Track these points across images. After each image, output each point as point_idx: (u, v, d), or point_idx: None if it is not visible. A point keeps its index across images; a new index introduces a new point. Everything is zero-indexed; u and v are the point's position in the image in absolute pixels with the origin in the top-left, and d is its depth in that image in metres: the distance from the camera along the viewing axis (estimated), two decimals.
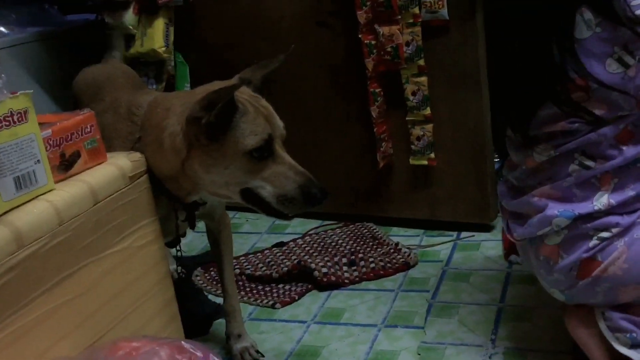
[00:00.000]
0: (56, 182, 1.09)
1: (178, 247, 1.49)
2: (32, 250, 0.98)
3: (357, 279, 1.92)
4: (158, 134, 1.30)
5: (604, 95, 1.19)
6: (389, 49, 1.96)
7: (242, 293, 1.91)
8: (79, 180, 1.12)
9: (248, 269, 2.03)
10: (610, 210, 1.25)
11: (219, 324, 1.77)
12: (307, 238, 2.18)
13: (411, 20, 1.93)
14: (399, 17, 1.93)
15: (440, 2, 1.88)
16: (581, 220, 1.25)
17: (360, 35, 2.00)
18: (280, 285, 1.94)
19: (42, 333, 1.00)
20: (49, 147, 1.09)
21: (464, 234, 2.11)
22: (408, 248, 2.04)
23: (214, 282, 1.99)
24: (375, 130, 2.08)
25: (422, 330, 1.65)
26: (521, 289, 1.76)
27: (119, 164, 1.20)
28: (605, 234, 1.25)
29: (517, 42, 1.28)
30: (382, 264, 1.96)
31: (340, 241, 2.13)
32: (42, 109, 1.10)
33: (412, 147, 2.08)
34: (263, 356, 1.61)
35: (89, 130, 1.18)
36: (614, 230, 1.24)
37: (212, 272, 2.04)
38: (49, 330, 1.01)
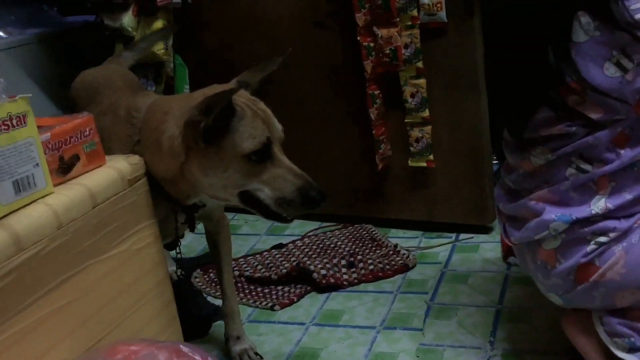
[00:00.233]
0: (55, 185, 1.09)
1: (177, 249, 1.50)
2: (31, 254, 0.98)
3: (356, 280, 1.93)
4: (157, 137, 1.30)
5: (599, 99, 1.19)
6: (387, 51, 1.97)
7: (241, 295, 1.91)
8: (77, 183, 1.13)
9: (247, 270, 2.03)
10: (607, 214, 1.24)
11: (218, 325, 1.77)
12: (306, 240, 2.19)
13: (409, 23, 1.93)
14: (398, 19, 1.93)
15: (438, 5, 1.88)
16: (579, 225, 1.25)
17: (358, 38, 2.00)
18: (279, 287, 1.94)
19: (41, 336, 1.01)
20: (47, 151, 1.09)
21: (462, 236, 2.11)
22: (407, 250, 2.04)
23: (213, 284, 1.99)
24: (373, 132, 2.08)
25: (421, 332, 1.65)
26: (520, 291, 1.76)
27: (117, 167, 1.21)
28: (602, 239, 1.25)
29: (513, 45, 1.28)
30: (380, 265, 1.97)
31: (339, 243, 2.14)
32: (41, 110, 1.10)
33: (411, 148, 2.08)
34: (262, 358, 1.62)
35: (87, 133, 1.18)
36: (612, 234, 1.24)
37: (211, 274, 2.04)
38: (47, 333, 1.02)
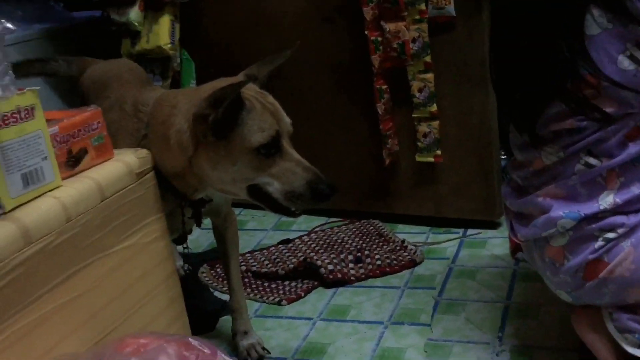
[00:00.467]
0: (63, 178, 1.09)
1: (185, 244, 1.49)
2: (39, 247, 0.98)
3: (363, 276, 1.92)
4: (164, 131, 1.29)
5: (614, 92, 1.18)
6: (395, 46, 1.96)
7: (248, 290, 1.91)
8: (86, 176, 1.12)
9: (254, 265, 2.03)
10: (616, 210, 1.23)
11: (225, 320, 1.77)
12: (313, 235, 2.18)
13: (417, 17, 1.92)
14: (405, 13, 1.92)
15: None
16: (586, 221, 1.24)
17: (366, 32, 1.99)
18: (286, 282, 1.94)
19: (50, 330, 1.01)
20: (56, 144, 1.09)
21: (470, 231, 2.10)
22: (414, 245, 2.04)
23: (220, 279, 1.99)
24: (381, 127, 2.08)
25: (429, 327, 1.65)
26: (528, 287, 1.75)
27: (125, 161, 1.20)
28: (611, 235, 1.23)
29: (524, 40, 1.27)
30: (388, 261, 1.96)
31: (346, 238, 2.13)
32: (49, 105, 1.10)
33: (418, 144, 2.07)
34: (269, 353, 1.61)
35: (95, 127, 1.18)
36: (620, 230, 1.23)
37: (218, 269, 2.04)
38: (56, 327, 1.01)
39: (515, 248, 1.89)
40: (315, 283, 1.91)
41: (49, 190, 1.05)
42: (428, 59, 1.96)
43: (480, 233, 2.09)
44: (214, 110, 1.21)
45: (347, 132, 2.20)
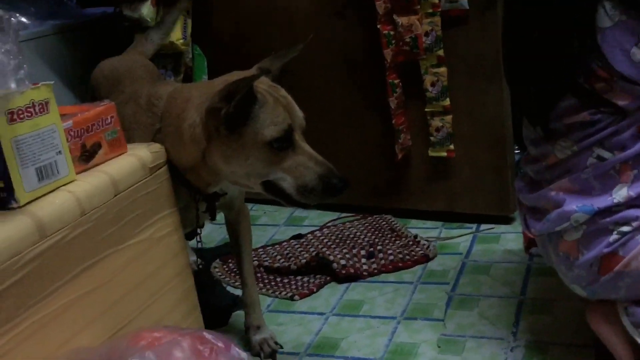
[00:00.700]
0: (77, 173, 1.09)
1: (198, 238, 1.49)
2: (54, 241, 0.99)
3: (375, 271, 1.92)
4: (178, 125, 1.29)
5: (627, 85, 1.17)
6: (407, 40, 1.95)
7: (261, 285, 1.91)
8: (99, 171, 1.13)
9: (266, 261, 2.03)
10: (630, 203, 1.22)
11: (238, 315, 1.77)
12: (325, 230, 2.18)
13: (430, 10, 1.91)
14: (418, 7, 1.91)
15: None
16: (600, 215, 1.23)
17: (378, 26, 1.98)
18: (299, 277, 1.94)
19: (64, 323, 1.01)
20: (70, 138, 1.09)
21: (483, 226, 2.09)
22: (427, 240, 2.03)
23: (232, 274, 1.99)
24: (393, 121, 2.07)
25: (442, 322, 1.64)
26: (542, 282, 1.74)
27: (139, 155, 1.20)
28: (625, 228, 1.22)
29: (536, 33, 1.26)
30: (400, 256, 1.95)
31: (358, 233, 2.13)
32: (61, 101, 1.10)
33: (431, 138, 2.06)
34: (282, 347, 1.62)
35: (109, 121, 1.18)
36: (634, 223, 1.22)
37: (231, 264, 2.04)
38: (71, 321, 1.02)
39: (529, 243, 1.88)
40: (328, 278, 1.91)
41: (63, 185, 1.05)
42: (441, 52, 1.94)
43: (493, 228, 2.07)
44: (227, 103, 1.20)
45: (359, 126, 2.19)
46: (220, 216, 1.63)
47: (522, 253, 1.90)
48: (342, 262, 1.91)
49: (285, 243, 2.14)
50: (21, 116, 0.98)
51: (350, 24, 2.09)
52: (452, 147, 2.05)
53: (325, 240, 2.10)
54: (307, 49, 1.42)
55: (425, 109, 2.04)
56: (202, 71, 2.29)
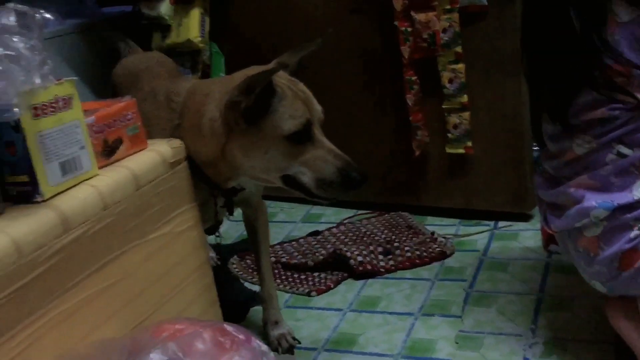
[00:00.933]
0: (99, 167, 1.11)
1: (217, 234, 1.51)
2: (77, 234, 1.00)
3: (392, 267, 1.92)
4: (197, 120, 1.31)
5: None
6: (425, 36, 1.94)
7: (278, 281, 1.92)
8: (121, 166, 1.14)
9: (283, 257, 2.04)
10: None
11: (256, 311, 1.78)
12: (342, 227, 2.18)
13: (448, 7, 1.90)
14: (436, 3, 1.90)
15: None
16: (620, 211, 1.23)
17: (396, 22, 1.98)
18: (316, 274, 1.94)
19: (88, 315, 1.02)
20: (92, 134, 1.11)
21: (501, 224, 2.08)
22: (444, 237, 2.02)
23: (250, 270, 2.00)
24: (410, 118, 2.06)
25: (460, 319, 1.64)
26: (561, 279, 1.73)
27: (159, 151, 1.22)
28: None
29: (552, 29, 1.26)
30: (417, 253, 1.95)
31: (375, 230, 2.13)
32: (81, 98, 1.12)
33: (449, 135, 2.06)
34: (299, 343, 1.62)
35: (130, 117, 1.19)
36: None
37: (248, 260, 2.05)
38: (94, 313, 1.03)
39: (547, 240, 1.87)
40: (345, 274, 1.92)
41: (86, 179, 1.07)
42: (459, 49, 1.94)
43: (511, 225, 2.06)
44: (246, 97, 1.21)
45: (377, 123, 2.19)
46: (237, 213, 1.64)
47: (541, 250, 1.89)
48: (359, 258, 1.92)
49: (302, 240, 2.15)
50: (45, 111, 1.00)
51: (368, 21, 2.09)
52: (469, 143, 2.04)
53: (342, 237, 2.10)
54: (325, 45, 1.42)
55: (443, 106, 2.03)
56: (219, 69, 2.31)
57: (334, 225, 2.21)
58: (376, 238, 2.07)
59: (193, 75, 2.28)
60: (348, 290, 1.84)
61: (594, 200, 1.24)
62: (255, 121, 1.24)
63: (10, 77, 0.87)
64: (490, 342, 1.53)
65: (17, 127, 0.96)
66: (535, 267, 1.82)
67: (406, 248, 1.97)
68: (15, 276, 0.90)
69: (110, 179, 1.09)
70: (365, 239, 2.07)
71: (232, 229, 2.29)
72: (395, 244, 1.99)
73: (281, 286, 1.90)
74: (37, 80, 0.91)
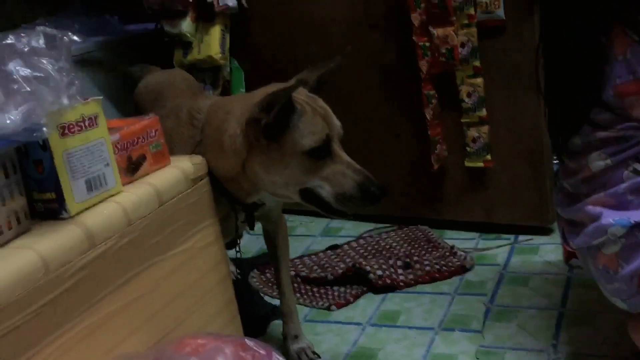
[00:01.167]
0: (123, 184, 1.13)
1: (237, 248, 1.52)
2: (102, 250, 1.02)
3: (412, 281, 1.91)
4: (218, 136, 1.33)
5: None
6: (443, 51, 1.95)
7: (297, 295, 1.93)
8: (144, 182, 1.16)
9: (303, 271, 2.05)
10: None
11: (276, 325, 1.79)
12: (361, 241, 2.19)
13: (466, 21, 1.91)
14: (454, 18, 1.92)
15: (496, 2, 1.86)
16: (638, 228, 1.22)
17: (414, 38, 1.99)
18: (335, 288, 1.95)
19: (112, 330, 1.04)
20: (117, 151, 1.13)
21: (521, 237, 2.07)
22: (464, 251, 2.02)
23: (270, 284, 2.01)
24: (429, 132, 2.07)
25: (480, 334, 1.63)
26: (583, 293, 1.72)
27: (182, 167, 1.24)
28: None
29: (565, 48, 1.28)
30: (437, 267, 1.95)
31: (394, 244, 2.13)
32: (105, 116, 1.15)
33: (467, 149, 2.06)
34: (319, 357, 1.63)
35: (154, 134, 1.22)
36: None
37: (268, 274, 2.06)
38: (118, 327, 1.05)
39: (569, 254, 1.86)
40: (365, 288, 1.92)
41: (111, 196, 1.09)
42: (477, 63, 1.94)
43: (532, 239, 2.05)
44: (266, 114, 1.23)
45: (395, 137, 2.20)
46: (257, 227, 1.66)
47: (562, 264, 1.88)
48: (379, 272, 1.92)
49: (321, 254, 2.15)
50: (72, 130, 1.02)
51: (386, 36, 2.11)
52: (489, 157, 2.04)
53: (361, 251, 2.11)
54: (344, 60, 1.44)
55: (462, 120, 2.04)
56: (239, 84, 2.34)
57: (354, 239, 2.22)
58: (395, 252, 2.07)
59: (214, 90, 2.32)
60: (368, 305, 1.85)
61: (611, 218, 1.24)
62: (276, 137, 1.26)
63: (39, 97, 0.89)
64: (511, 357, 1.52)
65: (44, 146, 0.99)
66: (556, 281, 1.81)
67: (426, 262, 1.97)
68: (42, 292, 0.92)
69: (134, 195, 1.11)
70: (384, 252, 2.07)
71: (251, 242, 2.31)
72: (415, 258, 1.99)
73: (301, 300, 1.91)
74: (65, 101, 0.93)
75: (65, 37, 0.97)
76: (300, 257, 2.16)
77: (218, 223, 1.32)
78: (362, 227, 2.29)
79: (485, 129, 2.01)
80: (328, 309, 1.85)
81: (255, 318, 1.82)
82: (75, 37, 0.97)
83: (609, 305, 1.37)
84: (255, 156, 1.28)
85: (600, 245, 1.28)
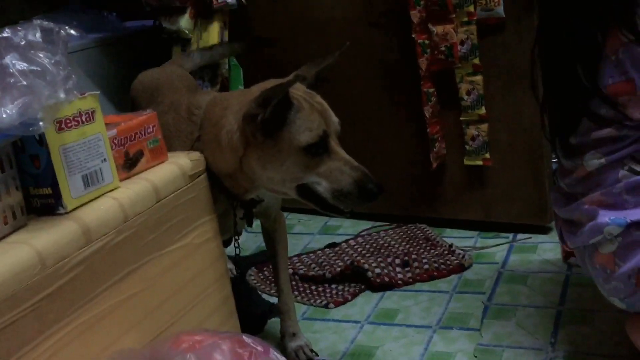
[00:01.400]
0: (120, 180, 1.13)
1: (236, 245, 1.52)
2: (99, 246, 1.02)
3: (410, 280, 1.91)
4: (216, 132, 1.32)
5: None
6: (442, 48, 1.95)
7: (295, 293, 1.92)
8: (142, 178, 1.16)
9: (301, 269, 2.04)
10: None
11: (273, 322, 1.78)
12: (360, 239, 2.18)
13: (466, 19, 1.91)
14: (453, 15, 1.91)
15: (496, 0, 1.85)
16: (634, 227, 1.22)
17: (413, 35, 1.99)
18: (333, 286, 1.94)
19: (108, 326, 1.04)
20: (114, 147, 1.13)
21: (520, 236, 2.06)
22: (462, 250, 2.01)
23: (268, 282, 2.01)
24: (428, 130, 2.07)
25: (478, 332, 1.63)
26: (581, 292, 1.71)
27: (179, 163, 1.24)
28: None
29: (559, 50, 1.28)
30: (435, 265, 1.94)
31: (392, 242, 2.12)
32: (102, 111, 1.14)
33: (467, 147, 2.05)
34: (317, 355, 1.62)
35: (151, 130, 1.21)
36: None
37: (266, 272, 2.06)
38: (114, 324, 1.05)
39: (567, 253, 1.85)
40: (363, 287, 1.91)
41: (108, 191, 1.09)
42: (477, 61, 1.94)
43: (530, 238, 2.05)
44: (263, 109, 1.23)
45: (394, 135, 2.20)
46: (257, 225, 1.65)
47: (560, 263, 1.88)
48: (377, 270, 1.91)
49: (319, 252, 2.15)
50: (69, 125, 1.02)
51: (386, 33, 2.10)
52: (487, 155, 2.03)
53: (359, 249, 2.10)
54: (343, 57, 1.43)
55: (461, 118, 2.03)
56: (238, 82, 2.33)
57: (352, 237, 2.21)
58: (394, 250, 2.07)
59: (212, 88, 2.31)
60: (366, 303, 1.84)
61: (607, 217, 1.24)
62: (273, 133, 1.25)
63: (35, 92, 0.89)
64: (509, 355, 1.52)
65: (41, 140, 0.98)
66: (554, 280, 1.80)
67: (424, 260, 1.96)
68: (38, 287, 0.92)
69: (131, 191, 1.11)
70: (383, 251, 2.07)
71: (250, 240, 2.31)
72: (413, 256, 1.98)
73: (299, 298, 1.90)
74: (62, 95, 0.93)
75: (62, 31, 0.97)
76: (299, 255, 2.15)
77: (216, 220, 1.32)
78: (361, 225, 2.28)
79: (484, 127, 2.01)
80: (326, 307, 1.85)
81: (253, 316, 1.81)
82: (72, 31, 0.96)
83: (607, 304, 1.37)
84: (252, 152, 1.28)
85: (597, 244, 1.28)
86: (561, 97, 1.34)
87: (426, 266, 1.94)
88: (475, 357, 1.54)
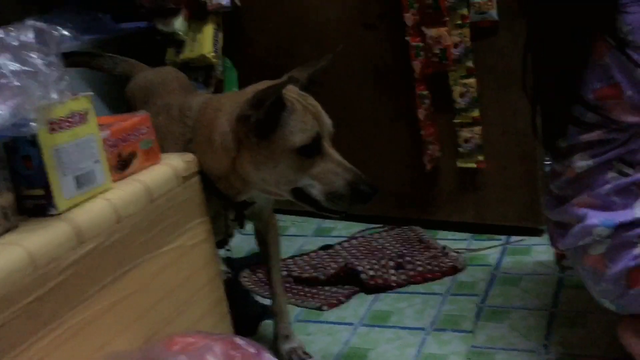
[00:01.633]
0: (113, 181, 1.12)
1: (228, 247, 1.51)
2: (91, 247, 1.01)
3: (404, 282, 1.91)
4: (209, 134, 1.32)
5: (634, 102, 1.17)
6: (436, 51, 1.95)
7: (289, 295, 1.92)
8: (135, 179, 1.16)
9: (294, 271, 2.04)
10: None
11: (267, 325, 1.78)
12: (354, 241, 2.18)
13: (459, 22, 1.91)
14: (447, 18, 1.92)
15: (489, 3, 1.86)
16: (623, 229, 1.23)
17: (407, 38, 1.99)
18: (327, 288, 1.94)
19: (100, 328, 1.03)
20: (107, 148, 1.12)
21: (513, 238, 2.07)
22: (456, 252, 2.02)
23: (261, 284, 2.00)
24: (422, 132, 2.07)
25: (472, 334, 1.63)
26: (575, 294, 1.72)
27: (172, 164, 1.23)
28: None
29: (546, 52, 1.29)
30: (429, 267, 1.95)
31: (386, 244, 2.13)
32: (96, 113, 1.14)
33: (460, 149, 2.06)
34: (311, 357, 1.62)
35: (144, 131, 1.21)
36: None
37: (259, 274, 2.06)
38: (107, 325, 1.04)
39: (560, 255, 1.85)
40: (356, 289, 1.91)
41: (100, 192, 1.08)
42: (470, 64, 1.95)
43: (524, 240, 2.05)
44: (256, 111, 1.23)
45: (388, 137, 2.20)
46: (249, 227, 1.65)
47: (554, 265, 1.88)
48: (371, 272, 1.91)
49: (313, 254, 2.15)
50: (61, 126, 1.01)
51: (380, 36, 2.11)
52: (481, 158, 2.04)
53: (353, 251, 2.10)
54: (337, 60, 1.44)
55: (454, 120, 2.04)
56: (232, 84, 2.33)
57: (346, 239, 2.21)
58: (387, 252, 2.07)
59: (206, 89, 2.31)
60: (359, 305, 1.84)
61: (596, 219, 1.25)
62: (266, 135, 1.25)
63: (27, 92, 0.89)
64: (502, 357, 1.52)
65: (33, 141, 0.97)
66: (548, 282, 1.81)
67: (418, 262, 1.96)
68: (29, 288, 0.91)
69: (123, 192, 1.11)
70: (376, 253, 2.07)
71: (243, 242, 2.30)
72: (407, 258, 1.99)
73: (292, 300, 1.90)
74: (54, 96, 0.93)
75: (55, 32, 0.96)
76: (292, 257, 2.15)
77: (209, 221, 1.31)
78: (355, 228, 2.28)
79: (477, 129, 2.02)
80: (320, 309, 1.85)
81: (246, 318, 1.81)
82: (65, 32, 0.96)
83: (600, 306, 1.38)
84: (245, 154, 1.28)
85: (587, 246, 1.28)
86: (549, 102, 1.35)
87: (420, 268, 1.94)
88: (469, 359, 1.54)
